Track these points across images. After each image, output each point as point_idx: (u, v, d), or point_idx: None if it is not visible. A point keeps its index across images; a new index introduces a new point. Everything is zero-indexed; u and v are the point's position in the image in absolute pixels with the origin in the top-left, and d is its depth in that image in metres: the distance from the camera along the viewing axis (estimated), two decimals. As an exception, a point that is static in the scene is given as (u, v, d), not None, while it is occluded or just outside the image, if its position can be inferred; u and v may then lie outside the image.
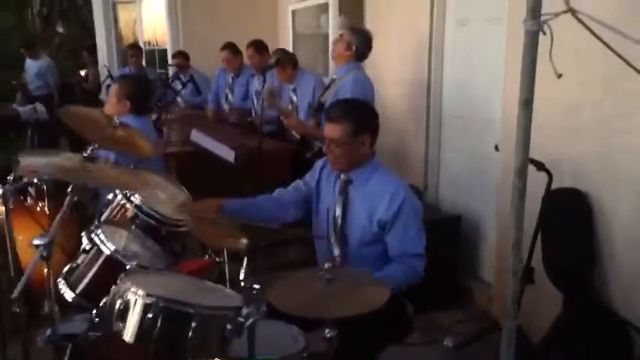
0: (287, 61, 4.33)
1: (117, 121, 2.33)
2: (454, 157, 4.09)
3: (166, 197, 2.42)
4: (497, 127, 3.40)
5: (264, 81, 3.77)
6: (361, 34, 3.62)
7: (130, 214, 2.26)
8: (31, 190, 2.75)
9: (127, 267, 1.81)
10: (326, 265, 1.74)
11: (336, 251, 2.28)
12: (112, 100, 2.92)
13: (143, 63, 7.18)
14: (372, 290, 1.72)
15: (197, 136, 3.40)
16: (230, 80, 5.65)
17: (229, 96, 5.64)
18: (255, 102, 4.96)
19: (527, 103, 1.79)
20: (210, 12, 6.93)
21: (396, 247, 2.18)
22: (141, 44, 7.55)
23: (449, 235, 3.74)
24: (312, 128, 3.66)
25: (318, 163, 2.44)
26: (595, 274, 2.67)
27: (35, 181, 2.72)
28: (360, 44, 3.56)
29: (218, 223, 2.63)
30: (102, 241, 1.91)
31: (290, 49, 6.13)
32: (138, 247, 2.07)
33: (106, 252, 1.88)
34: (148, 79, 3.23)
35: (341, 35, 3.64)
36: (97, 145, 2.14)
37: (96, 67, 8.05)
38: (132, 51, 6.80)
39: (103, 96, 7.01)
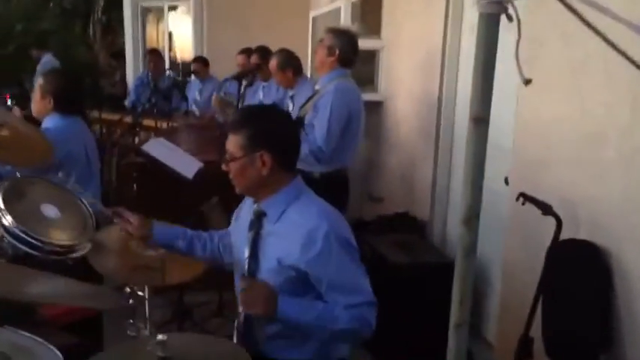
0: (288, 64, 3.82)
1: (-4, 119, 1.90)
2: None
3: (59, 216, 1.96)
4: (509, 155, 2.76)
5: (240, 86, 3.28)
6: (345, 36, 3.09)
7: (-6, 235, 1.81)
8: None
9: None
10: (158, 337, 1.21)
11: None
12: (35, 97, 2.52)
13: (166, 69, 6.93)
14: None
15: (153, 147, 2.95)
16: (242, 89, 5.23)
17: (239, 105, 5.21)
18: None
19: (478, 122, 1.20)
20: (236, 21, 6.61)
21: (335, 301, 1.63)
22: (165, 52, 7.35)
23: (450, 281, 3.11)
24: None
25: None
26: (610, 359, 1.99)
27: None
28: (344, 48, 3.03)
29: (134, 250, 2.23)
30: None
31: (308, 56, 5.66)
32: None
33: None
34: (75, 75, 2.77)
35: (321, 40, 3.12)
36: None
37: (123, 72, 7.90)
38: (150, 56, 6.55)
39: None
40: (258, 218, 1.75)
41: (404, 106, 4.04)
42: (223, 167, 1.72)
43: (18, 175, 1.99)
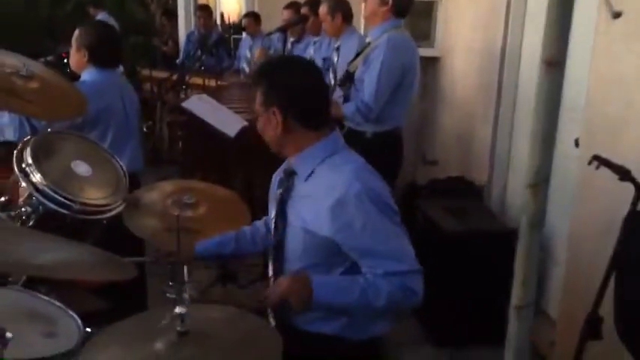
0: (337, 8, 3.52)
1: (24, 70, 1.81)
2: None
3: (90, 173, 1.87)
4: (579, 113, 2.48)
5: (285, 39, 3.09)
6: (399, -18, 2.81)
7: (23, 192, 1.74)
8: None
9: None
10: (176, 310, 1.08)
11: (270, 269, 1.66)
12: (72, 51, 2.43)
13: (217, 25, 6.80)
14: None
15: (194, 104, 2.83)
16: (290, 45, 5.03)
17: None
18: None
19: (551, 65, 0.97)
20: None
21: (372, 269, 1.46)
22: (217, 9, 7.20)
23: (509, 252, 2.87)
24: (336, 104, 2.94)
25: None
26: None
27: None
28: (398, -4, 2.76)
29: (171, 211, 2.13)
30: None
31: (360, 12, 5.36)
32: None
33: None
34: (110, 28, 2.63)
35: (373, -12, 2.85)
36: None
37: (175, 31, 7.83)
38: (200, 12, 6.43)
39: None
40: (288, 177, 1.60)
41: (462, 62, 3.75)
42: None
43: (49, 130, 1.90)
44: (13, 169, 1.83)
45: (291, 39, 4.87)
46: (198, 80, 4.82)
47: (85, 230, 1.86)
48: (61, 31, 8.03)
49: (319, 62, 3.93)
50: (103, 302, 1.68)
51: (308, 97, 1.56)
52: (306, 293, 1.42)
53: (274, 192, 1.66)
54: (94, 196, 1.83)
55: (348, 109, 2.80)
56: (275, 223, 1.60)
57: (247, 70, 5.83)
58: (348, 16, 3.57)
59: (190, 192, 2.19)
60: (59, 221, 1.76)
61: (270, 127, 1.54)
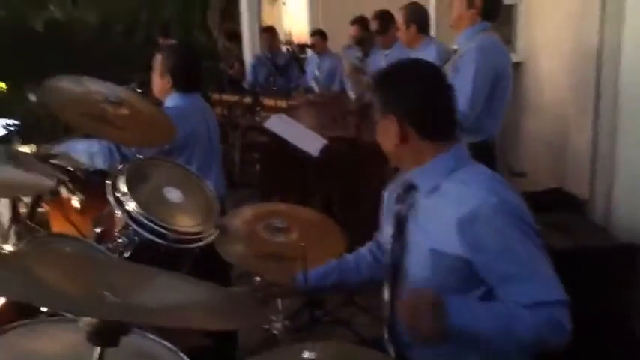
0: (412, 19, 3.42)
1: (113, 97, 1.77)
2: (637, 155, 2.88)
3: (182, 200, 1.80)
4: None
5: (365, 55, 2.97)
6: (486, -17, 2.64)
7: (119, 223, 1.69)
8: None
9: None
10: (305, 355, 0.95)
11: (386, 294, 1.48)
12: (154, 77, 2.40)
13: (282, 47, 6.82)
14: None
15: (275, 124, 2.76)
16: (357, 60, 4.93)
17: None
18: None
19: None
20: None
21: (512, 298, 1.27)
22: (281, 29, 7.24)
23: (622, 269, 2.59)
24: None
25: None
26: None
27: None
28: (487, -3, 2.59)
29: (263, 236, 2.03)
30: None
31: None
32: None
33: None
34: (192, 51, 2.59)
35: (456, -9, 2.69)
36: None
37: (240, 54, 7.92)
38: (265, 34, 6.45)
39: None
40: (407, 191, 1.45)
41: (549, 65, 3.51)
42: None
43: (140, 157, 1.85)
44: (105, 198, 1.80)
45: (359, 54, 4.78)
46: (270, 101, 4.81)
47: (178, 260, 1.79)
48: (132, 61, 8.35)
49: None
50: (207, 339, 1.58)
51: (432, 105, 1.41)
52: (439, 316, 1.22)
53: (391, 209, 1.52)
54: (187, 223, 1.76)
55: None
56: (393, 242, 1.45)
57: (316, 88, 5.78)
58: (423, 27, 3.44)
59: (280, 216, 2.09)
60: (153, 251, 1.70)
61: (387, 136, 1.41)
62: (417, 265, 1.39)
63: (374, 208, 3.80)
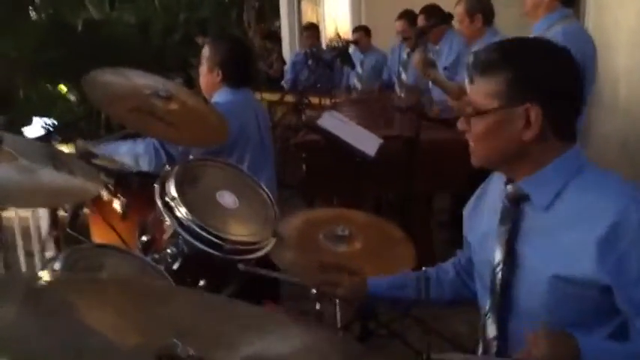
0: (477, 9, 3.15)
1: (163, 91, 1.59)
2: None
3: (237, 205, 1.61)
4: None
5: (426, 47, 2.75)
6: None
7: (168, 230, 1.50)
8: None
9: None
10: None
11: (491, 330, 1.22)
12: (202, 71, 2.21)
13: (322, 44, 6.64)
14: None
15: (329, 122, 2.55)
16: (405, 56, 4.70)
17: (403, 74, 4.69)
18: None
19: None
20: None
21: None
22: (323, 26, 7.05)
23: None
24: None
25: (481, 187, 1.41)
26: None
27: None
28: (566, -20, 2.32)
29: (322, 245, 1.83)
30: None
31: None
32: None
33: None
34: (242, 44, 2.41)
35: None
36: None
37: (279, 53, 7.77)
38: (307, 32, 6.26)
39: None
40: (516, 204, 1.19)
41: (627, 58, 3.21)
42: (460, 126, 1.19)
43: (191, 157, 1.66)
44: (149, 203, 1.62)
45: (407, 49, 4.56)
46: (314, 99, 4.61)
47: (232, 273, 1.60)
48: (170, 60, 8.30)
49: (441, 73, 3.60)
50: None
51: (574, 94, 1.16)
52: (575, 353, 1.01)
53: (484, 224, 1.28)
54: (244, 231, 1.56)
55: None
56: (503, 269, 1.19)
57: (358, 85, 5.58)
58: (489, 17, 3.17)
59: (341, 222, 1.89)
60: (206, 263, 1.52)
61: (511, 129, 1.12)
62: (532, 295, 1.14)
63: (426, 212, 3.55)
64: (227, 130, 1.74)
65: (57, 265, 1.12)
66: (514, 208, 1.19)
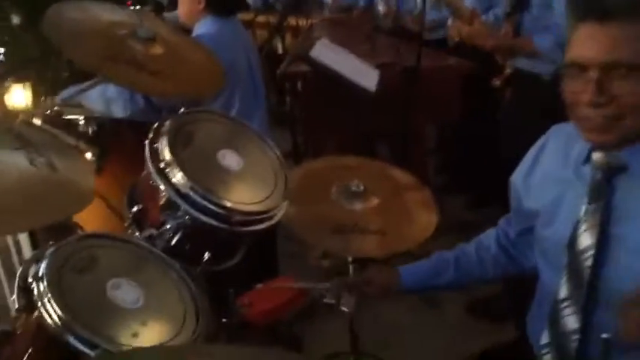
0: None
1: (144, 31, 1.30)
2: None
3: (242, 166, 1.38)
4: None
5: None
6: None
7: (162, 198, 1.27)
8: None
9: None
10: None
11: (570, 321, 1.05)
12: (182, -1, 1.88)
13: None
14: None
15: (323, 53, 2.27)
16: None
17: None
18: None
19: None
20: None
21: None
22: None
23: None
24: (505, 38, 2.31)
25: (531, 152, 1.20)
26: None
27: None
28: None
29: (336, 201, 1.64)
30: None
31: None
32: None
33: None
34: None
35: None
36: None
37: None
38: None
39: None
40: (608, 176, 1.01)
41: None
42: (597, 93, 0.94)
43: (182, 110, 1.39)
44: (131, 155, 1.38)
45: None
46: (292, 21, 4.21)
47: (238, 243, 1.40)
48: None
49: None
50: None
51: None
52: None
53: (564, 201, 1.09)
54: (252, 198, 1.34)
55: (542, 42, 2.14)
56: (595, 254, 1.01)
57: (329, 2, 5.11)
58: None
59: (353, 174, 1.69)
60: (209, 236, 1.30)
61: None
62: (629, 284, 0.96)
63: (424, 151, 3.35)
64: (223, 73, 1.46)
65: (42, 269, 0.88)
66: (606, 182, 1.00)
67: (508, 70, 2.40)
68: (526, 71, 2.27)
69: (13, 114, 1.90)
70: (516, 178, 1.23)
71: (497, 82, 2.44)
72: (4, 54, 2.16)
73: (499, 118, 2.63)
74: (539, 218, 1.15)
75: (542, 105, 2.20)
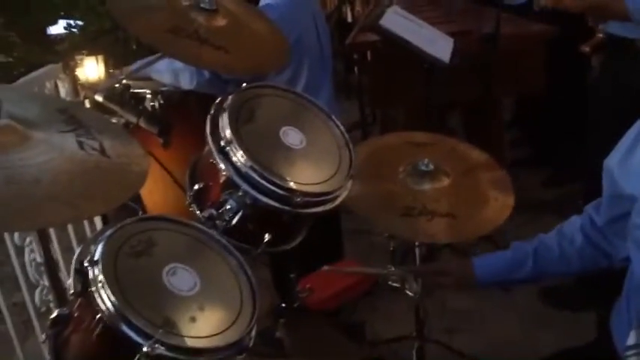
0: None
1: (207, 2, 1.24)
2: None
3: (305, 144, 1.31)
4: None
5: None
6: None
7: (223, 177, 1.23)
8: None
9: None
10: None
11: None
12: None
13: None
14: None
15: (394, 21, 2.14)
16: None
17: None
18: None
19: None
20: None
21: None
22: None
23: None
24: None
25: (630, 132, 1.07)
26: None
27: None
28: None
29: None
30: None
31: None
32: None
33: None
34: None
35: None
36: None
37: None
38: None
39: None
40: None
41: None
42: None
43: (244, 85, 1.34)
44: (195, 127, 1.35)
45: None
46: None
47: (300, 224, 1.35)
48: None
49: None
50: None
51: None
52: None
53: None
54: (316, 178, 1.27)
55: (635, 1, 1.88)
56: None
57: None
58: None
59: (422, 152, 1.60)
60: (271, 218, 1.26)
61: None
62: None
63: (501, 124, 3.17)
64: (288, 46, 1.39)
65: (98, 253, 0.87)
66: None
67: (600, 35, 2.18)
68: (619, 36, 2.03)
69: (87, 87, 1.93)
70: (612, 160, 1.10)
71: (586, 49, 2.22)
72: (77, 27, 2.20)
73: (587, 88, 2.42)
74: (636, 204, 1.02)
75: (634, 72, 1.99)
